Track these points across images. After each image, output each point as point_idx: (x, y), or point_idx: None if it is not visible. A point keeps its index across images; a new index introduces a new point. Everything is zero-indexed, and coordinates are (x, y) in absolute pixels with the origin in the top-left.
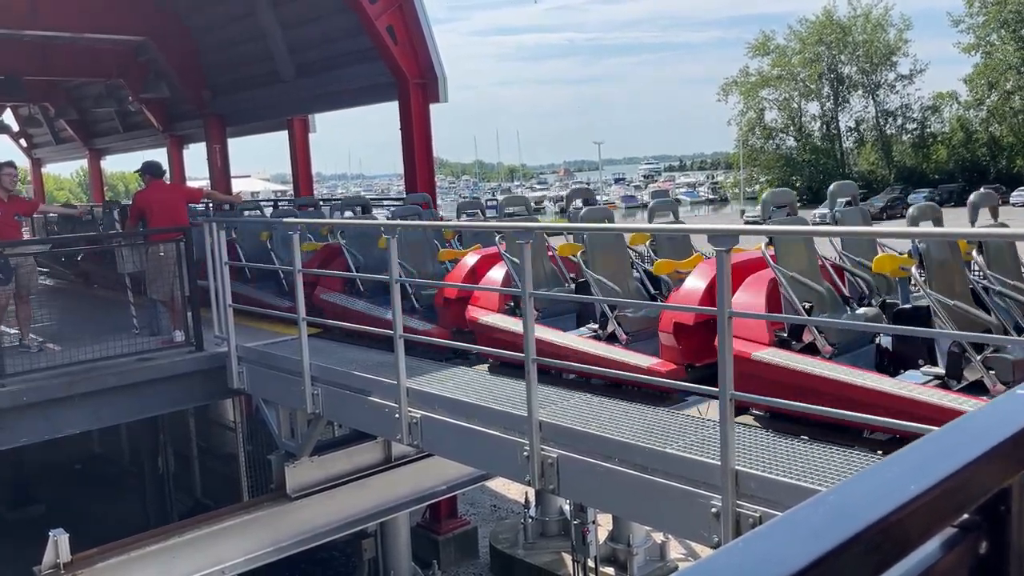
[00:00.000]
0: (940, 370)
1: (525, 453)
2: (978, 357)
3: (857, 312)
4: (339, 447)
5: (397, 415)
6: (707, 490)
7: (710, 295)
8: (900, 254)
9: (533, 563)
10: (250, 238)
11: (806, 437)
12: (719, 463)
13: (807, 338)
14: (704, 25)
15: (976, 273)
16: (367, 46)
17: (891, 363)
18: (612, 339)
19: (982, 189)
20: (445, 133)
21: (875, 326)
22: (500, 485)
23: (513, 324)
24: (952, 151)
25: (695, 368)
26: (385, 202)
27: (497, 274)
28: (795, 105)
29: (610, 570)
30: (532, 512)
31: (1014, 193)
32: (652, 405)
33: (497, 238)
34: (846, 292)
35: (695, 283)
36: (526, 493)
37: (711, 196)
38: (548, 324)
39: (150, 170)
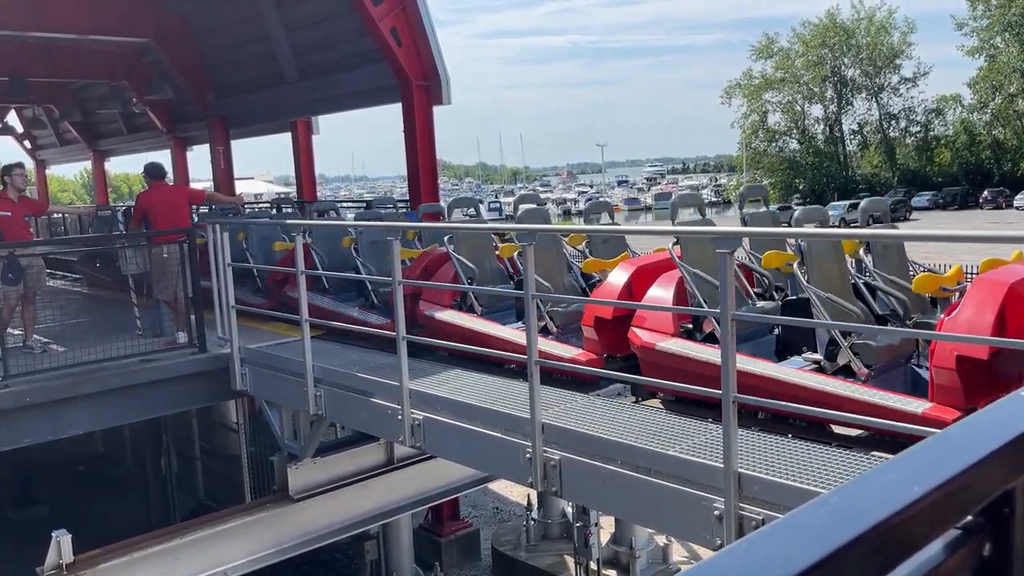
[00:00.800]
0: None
1: (528, 455)
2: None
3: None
4: (341, 449)
5: (400, 417)
6: (710, 493)
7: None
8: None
9: (535, 565)
10: (326, 243)
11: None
12: (722, 466)
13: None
14: (707, 28)
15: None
16: (371, 48)
17: (782, 351)
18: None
19: (878, 196)
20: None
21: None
22: (502, 487)
23: (699, 351)
24: (956, 154)
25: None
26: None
27: (663, 292)
28: (798, 108)
29: (612, 572)
30: (534, 514)
31: (1017, 196)
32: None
33: (671, 244)
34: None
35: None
36: (528, 495)
37: (714, 199)
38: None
39: (151, 172)
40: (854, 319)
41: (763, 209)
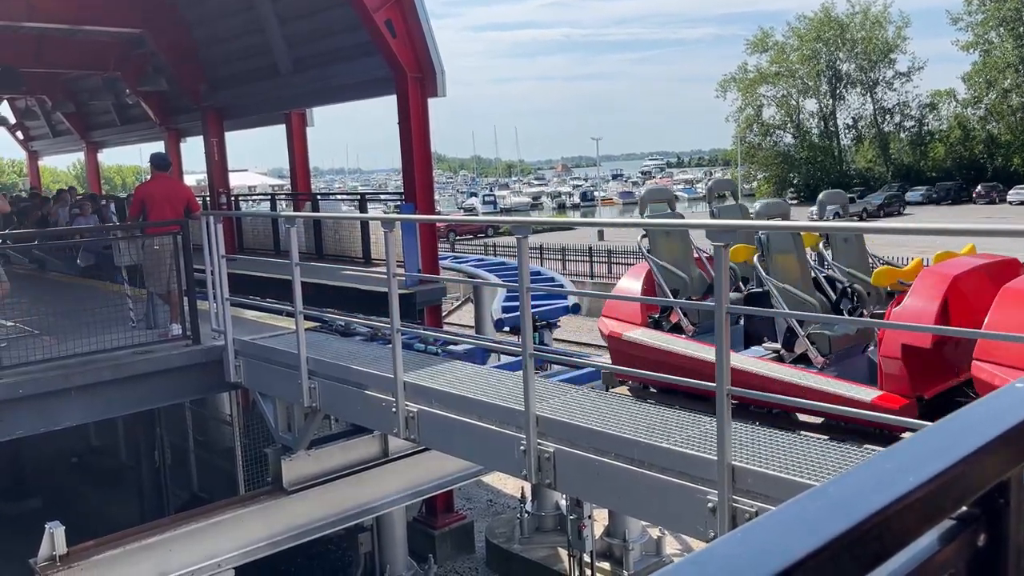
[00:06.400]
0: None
1: (522, 448)
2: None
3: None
4: (335, 441)
5: (394, 409)
6: (704, 485)
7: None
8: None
9: (529, 558)
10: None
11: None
12: (716, 458)
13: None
14: (699, 22)
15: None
16: (365, 40)
17: (744, 340)
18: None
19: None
20: (443, 129)
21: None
22: (496, 480)
23: (666, 341)
24: (950, 149)
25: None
26: (383, 197)
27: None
28: (793, 102)
29: (606, 565)
30: (528, 507)
31: (1011, 192)
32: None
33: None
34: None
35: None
36: (522, 488)
37: None
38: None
39: (155, 161)
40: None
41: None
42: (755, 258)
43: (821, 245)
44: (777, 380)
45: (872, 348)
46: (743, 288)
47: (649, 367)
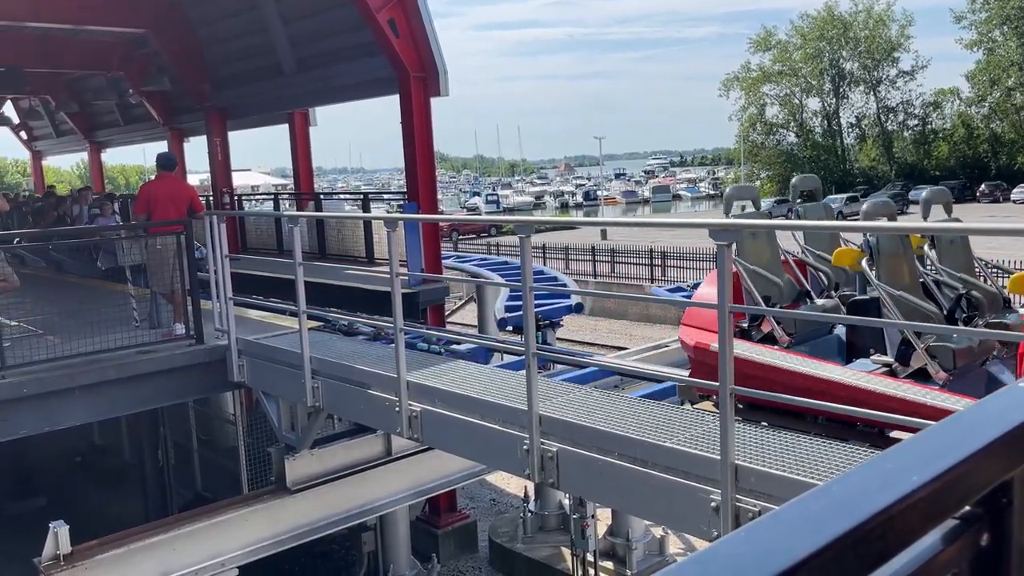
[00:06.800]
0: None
1: (525, 447)
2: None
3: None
4: (339, 440)
5: (397, 408)
6: (707, 484)
7: None
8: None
9: (532, 557)
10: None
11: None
12: (719, 457)
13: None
14: (702, 21)
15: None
16: (368, 40)
17: (847, 352)
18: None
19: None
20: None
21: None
22: (500, 479)
23: (763, 354)
24: (953, 147)
25: None
26: (386, 196)
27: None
28: (796, 101)
29: (609, 564)
30: (531, 506)
31: (1015, 190)
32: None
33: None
34: (807, 285)
35: None
36: (525, 487)
37: (712, 192)
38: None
39: (160, 161)
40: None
41: (751, 210)
42: (863, 262)
43: (926, 247)
44: (896, 399)
45: (994, 361)
46: (833, 294)
47: (742, 382)
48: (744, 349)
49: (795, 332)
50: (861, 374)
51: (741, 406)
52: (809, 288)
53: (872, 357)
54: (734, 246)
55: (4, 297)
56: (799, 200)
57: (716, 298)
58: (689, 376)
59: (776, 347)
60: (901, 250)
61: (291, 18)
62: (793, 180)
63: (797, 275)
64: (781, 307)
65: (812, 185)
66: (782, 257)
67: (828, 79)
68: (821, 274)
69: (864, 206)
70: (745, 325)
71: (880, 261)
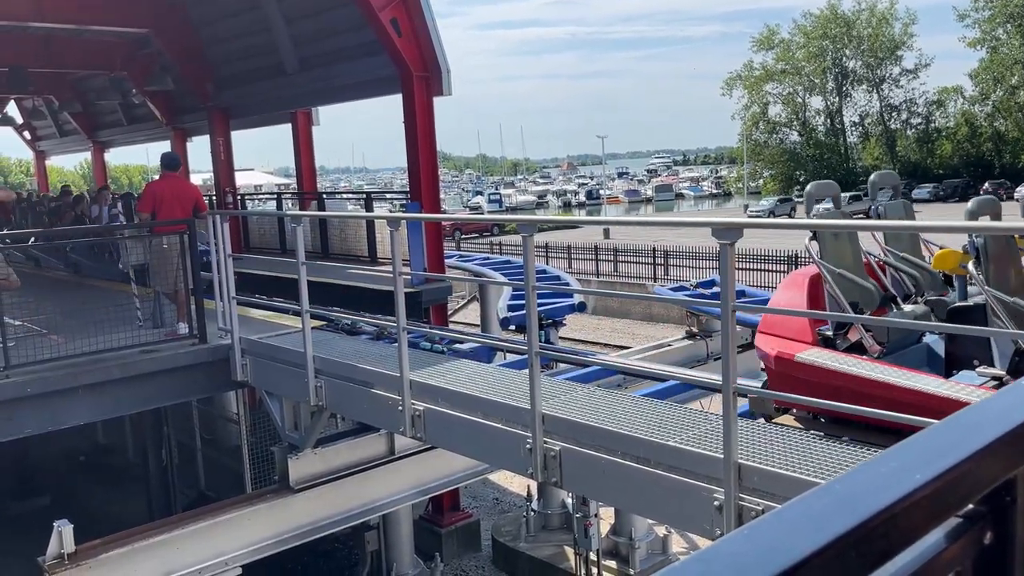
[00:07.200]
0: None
1: (528, 446)
2: None
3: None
4: (342, 440)
5: (400, 407)
6: (710, 483)
7: None
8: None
9: (535, 556)
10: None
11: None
12: (722, 456)
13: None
14: (704, 19)
15: None
16: (371, 39)
17: (945, 363)
18: None
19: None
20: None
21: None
22: (502, 478)
23: (851, 365)
24: (957, 146)
25: None
26: (388, 195)
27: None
28: (799, 99)
29: (612, 563)
30: (534, 505)
31: (1018, 189)
32: None
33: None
34: (891, 289)
35: None
36: (528, 486)
37: (715, 191)
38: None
39: (164, 161)
40: None
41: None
42: (970, 265)
43: None
44: None
45: None
46: (920, 299)
47: (830, 395)
48: (828, 359)
49: (887, 341)
50: (972, 388)
51: (823, 420)
52: (894, 293)
53: (978, 369)
54: (816, 247)
55: (8, 296)
56: (880, 197)
57: (796, 304)
58: (766, 387)
59: (865, 357)
60: (1008, 252)
61: (293, 18)
62: (808, 187)
63: (881, 279)
64: (870, 314)
65: (831, 192)
66: (864, 259)
67: (831, 77)
68: (904, 277)
69: (968, 204)
70: (829, 333)
71: (987, 264)
